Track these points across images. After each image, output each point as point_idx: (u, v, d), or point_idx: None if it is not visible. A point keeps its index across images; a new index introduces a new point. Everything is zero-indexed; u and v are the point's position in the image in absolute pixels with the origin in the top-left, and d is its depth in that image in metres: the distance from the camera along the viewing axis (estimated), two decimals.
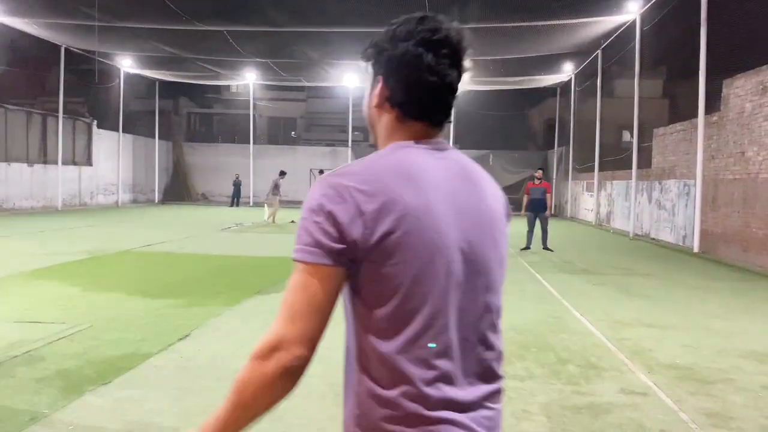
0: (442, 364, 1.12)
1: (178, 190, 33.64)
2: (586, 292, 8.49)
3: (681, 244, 14.97)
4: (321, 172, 21.06)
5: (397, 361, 1.11)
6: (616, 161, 21.08)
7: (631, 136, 19.08)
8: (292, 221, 19.47)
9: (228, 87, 39.14)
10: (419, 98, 1.20)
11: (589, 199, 24.26)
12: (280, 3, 16.59)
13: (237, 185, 30.39)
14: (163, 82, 31.02)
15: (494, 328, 1.23)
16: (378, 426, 1.11)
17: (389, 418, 1.11)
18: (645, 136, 18.45)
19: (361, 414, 1.14)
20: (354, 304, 1.15)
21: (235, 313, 6.61)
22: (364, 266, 1.11)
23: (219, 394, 4.21)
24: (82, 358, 4.75)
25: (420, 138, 1.22)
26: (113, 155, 28.90)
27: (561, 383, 4.50)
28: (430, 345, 1.12)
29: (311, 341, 1.09)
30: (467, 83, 27.32)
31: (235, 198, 30.11)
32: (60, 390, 4.06)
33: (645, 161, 18.18)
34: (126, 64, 26.82)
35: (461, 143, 33.55)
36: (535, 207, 13.16)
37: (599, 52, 21.54)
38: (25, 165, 23.12)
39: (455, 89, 1.22)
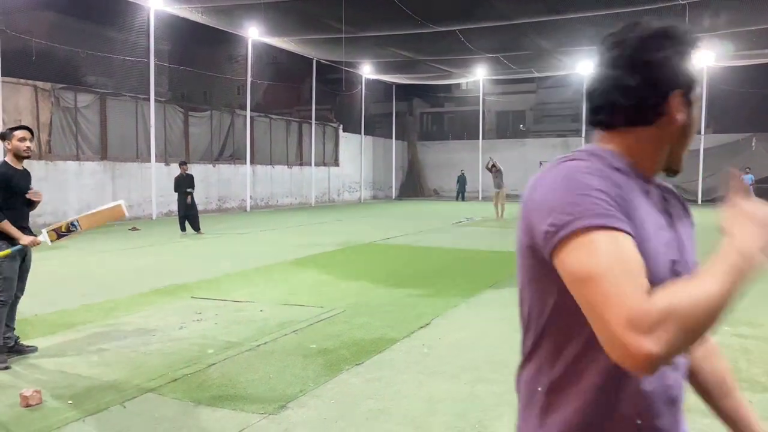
0: None
1: (413, 186, 35.53)
2: None
3: None
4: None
5: None
6: None
7: None
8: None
9: (458, 85, 39.99)
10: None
11: None
12: None
13: (462, 181, 31.81)
14: (399, 86, 32.93)
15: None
16: None
17: None
18: None
19: None
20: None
21: (470, 305, 6.77)
22: None
23: (460, 382, 4.34)
24: (338, 340, 5.29)
25: None
26: (356, 156, 31.56)
27: None
28: None
29: None
30: (719, 59, 24.23)
31: (461, 193, 31.64)
32: (322, 367, 4.57)
33: None
34: (366, 71, 28.98)
35: (715, 126, 29.83)
36: None
37: None
38: (285, 167, 26.40)
39: None
